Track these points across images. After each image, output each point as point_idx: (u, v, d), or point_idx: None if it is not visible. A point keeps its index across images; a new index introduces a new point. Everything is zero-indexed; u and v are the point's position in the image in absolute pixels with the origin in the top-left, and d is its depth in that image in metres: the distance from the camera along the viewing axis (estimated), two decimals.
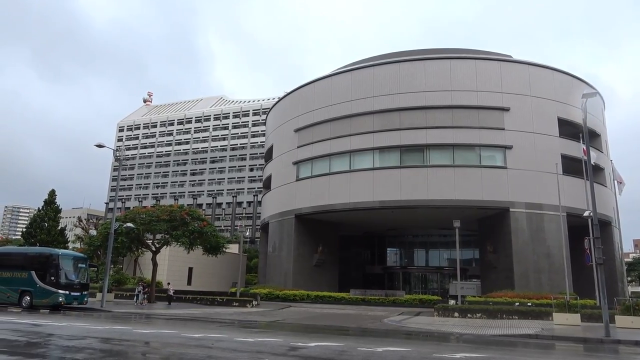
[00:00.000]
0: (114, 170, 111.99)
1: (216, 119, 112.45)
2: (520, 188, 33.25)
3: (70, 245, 44.72)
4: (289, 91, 44.68)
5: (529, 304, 25.33)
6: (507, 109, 34.49)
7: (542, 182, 33.09)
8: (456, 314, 24.27)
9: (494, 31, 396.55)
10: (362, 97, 37.32)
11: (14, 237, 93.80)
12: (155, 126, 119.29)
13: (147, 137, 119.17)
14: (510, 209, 32.84)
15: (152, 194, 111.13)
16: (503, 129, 34.23)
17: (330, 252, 41.24)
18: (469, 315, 23.99)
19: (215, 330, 15.64)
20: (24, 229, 44.20)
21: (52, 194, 40.50)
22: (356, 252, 49.78)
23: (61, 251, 26.73)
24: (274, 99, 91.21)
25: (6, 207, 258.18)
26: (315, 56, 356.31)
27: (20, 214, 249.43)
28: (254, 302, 30.17)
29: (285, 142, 42.51)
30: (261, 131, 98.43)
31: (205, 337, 13.60)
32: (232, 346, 11.85)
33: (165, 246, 31.82)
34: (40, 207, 40.91)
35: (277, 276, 39.91)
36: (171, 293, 30.71)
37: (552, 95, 35.81)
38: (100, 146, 26.35)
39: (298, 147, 40.57)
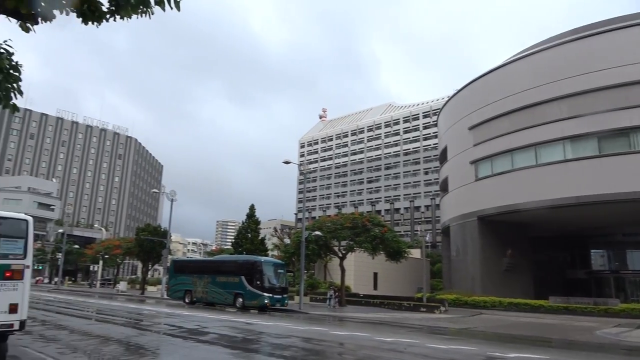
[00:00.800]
0: (299, 183, 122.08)
1: (387, 125, 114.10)
2: None
3: (270, 253, 50.04)
4: (459, 88, 42.87)
5: None
6: None
7: None
8: None
9: None
10: (543, 82, 33.68)
11: (225, 247, 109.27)
12: (331, 139, 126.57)
13: (325, 151, 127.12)
14: None
15: (334, 203, 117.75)
16: None
17: (521, 255, 37.89)
18: None
19: (405, 335, 15.68)
20: (233, 240, 51.06)
21: (252, 208, 45.93)
22: (551, 255, 44.74)
23: (263, 258, 30.08)
24: (443, 98, 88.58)
25: (217, 221, 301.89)
26: (484, 45, 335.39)
27: (228, 227, 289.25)
28: (442, 308, 29.43)
29: (460, 141, 40.78)
30: (433, 133, 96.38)
31: (396, 341, 13.73)
32: (424, 352, 11.72)
33: (350, 252, 33.28)
34: (244, 220, 46.75)
35: (463, 281, 38.27)
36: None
37: None
38: (286, 162, 28.98)
39: (474, 145, 38.52)
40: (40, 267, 75.82)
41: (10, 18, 3.80)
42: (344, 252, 33.01)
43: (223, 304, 28.46)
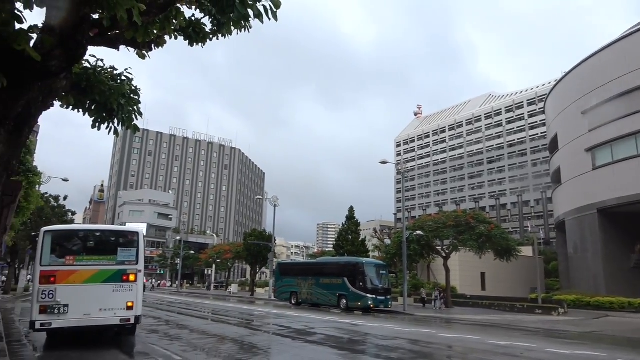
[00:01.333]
0: (397, 183, 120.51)
1: (488, 117, 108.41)
2: None
3: (370, 254, 50.00)
4: (567, 70, 39.39)
5: None
6: None
7: None
8: None
9: None
10: None
11: (326, 249, 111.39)
12: (428, 136, 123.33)
13: (422, 148, 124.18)
14: None
15: (434, 202, 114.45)
16: None
17: None
18: None
19: (521, 339, 14.71)
20: (334, 242, 51.87)
21: (351, 210, 46.27)
22: None
23: (365, 260, 30.12)
24: (549, 83, 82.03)
25: (318, 224, 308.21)
26: (595, 19, 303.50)
27: (328, 230, 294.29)
28: (560, 310, 27.15)
29: (572, 127, 37.42)
30: (540, 121, 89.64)
31: (511, 345, 12.94)
32: (544, 357, 10.91)
33: (454, 252, 32.11)
34: (343, 222, 47.27)
35: (583, 280, 34.99)
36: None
37: None
38: (383, 163, 28.79)
39: (589, 130, 35.10)
40: (162, 272, 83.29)
41: (129, 48, 4.27)
42: (447, 251, 31.93)
43: (327, 305, 28.96)
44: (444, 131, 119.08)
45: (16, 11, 3.21)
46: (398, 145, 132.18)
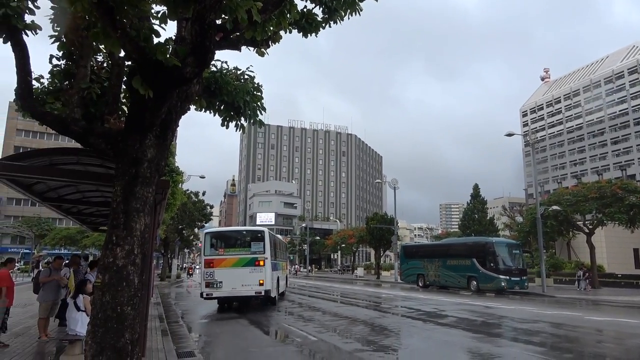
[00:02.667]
0: (526, 155, 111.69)
1: (632, 72, 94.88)
2: None
3: (500, 233, 47.24)
4: None
5: None
6: None
7: None
8: None
9: None
10: None
11: (451, 230, 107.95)
12: (559, 102, 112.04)
13: (552, 115, 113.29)
14: None
15: (571, 173, 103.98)
16: None
17: None
18: None
19: None
20: (459, 222, 50.06)
21: (476, 188, 44.12)
22: None
23: (495, 239, 28.55)
24: None
25: (440, 204, 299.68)
26: None
27: (452, 210, 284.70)
28: None
29: None
30: None
31: None
32: None
33: (599, 227, 28.91)
34: (468, 201, 45.33)
35: None
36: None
37: None
38: (509, 135, 26.83)
39: None
40: (292, 258, 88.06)
41: (249, 47, 4.53)
42: (590, 227, 28.86)
43: (456, 287, 28.13)
44: (577, 94, 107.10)
45: (154, 27, 3.59)
46: (524, 115, 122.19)
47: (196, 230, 52.09)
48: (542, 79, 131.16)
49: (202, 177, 35.87)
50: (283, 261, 22.80)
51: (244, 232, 18.21)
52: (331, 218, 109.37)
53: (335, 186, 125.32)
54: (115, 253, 3.91)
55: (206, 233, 17.48)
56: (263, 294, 15.96)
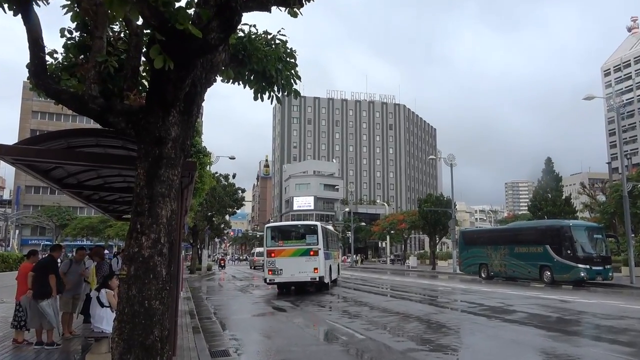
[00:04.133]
0: (609, 122, 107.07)
1: None
2: None
3: (579, 215, 45.75)
4: None
5: None
6: None
7: None
8: None
9: None
10: None
11: (519, 213, 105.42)
12: None
13: None
14: None
15: None
16: None
17: None
18: None
19: None
20: (528, 203, 48.74)
21: (549, 162, 42.51)
22: None
23: (572, 222, 27.68)
24: None
25: (505, 183, 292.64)
26: None
27: (519, 188, 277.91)
28: None
29: None
30: None
31: None
32: None
33: None
34: (539, 179, 43.84)
35: None
36: None
37: None
38: (589, 98, 25.71)
39: None
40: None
41: (280, 8, 4.51)
42: None
43: (526, 278, 27.59)
44: None
45: None
46: (607, 74, 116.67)
47: (227, 217, 53.26)
48: (629, 30, 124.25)
49: (232, 158, 36.51)
50: (335, 250, 27.46)
51: (300, 226, 24.38)
52: (378, 201, 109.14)
53: (382, 165, 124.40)
54: (141, 242, 4.04)
55: (267, 227, 23.29)
56: (317, 280, 20.77)
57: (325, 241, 22.08)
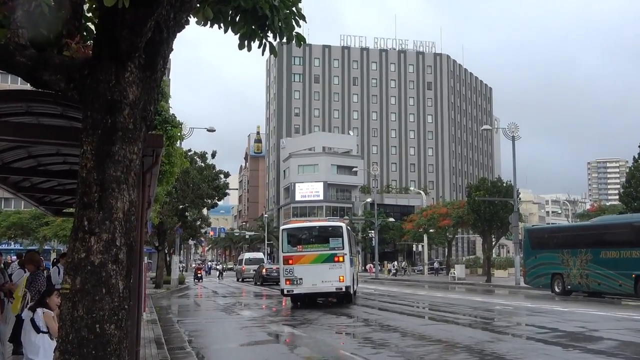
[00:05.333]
0: None
1: None
2: None
3: None
4: None
5: None
6: None
7: None
8: None
9: None
10: None
11: (608, 203, 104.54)
12: None
13: None
14: None
15: None
16: None
17: None
18: None
19: None
20: (620, 190, 48.38)
21: None
22: None
23: None
24: None
25: (588, 163, 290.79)
26: None
27: (607, 171, 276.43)
28: None
29: None
30: None
31: None
32: None
33: None
34: (635, 156, 43.58)
35: None
36: None
37: None
38: None
39: None
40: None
41: None
42: None
43: (616, 294, 27.59)
44: None
45: None
46: None
47: (205, 211, 53.39)
48: None
49: (211, 131, 36.66)
50: (355, 256, 30.78)
51: (322, 228, 27.54)
52: (412, 189, 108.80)
53: (417, 138, 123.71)
54: (89, 245, 4.05)
55: (283, 229, 26.42)
56: (344, 290, 23.61)
57: (349, 246, 25.16)
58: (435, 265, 67.24)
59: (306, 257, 23.52)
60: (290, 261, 23.49)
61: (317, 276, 23.13)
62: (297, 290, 23.28)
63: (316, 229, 26.99)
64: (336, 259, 23.34)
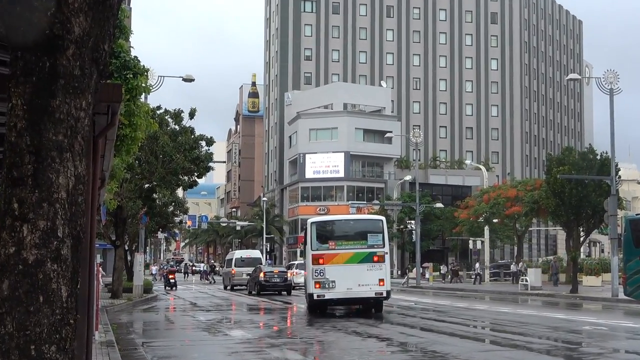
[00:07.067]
0: None
1: None
2: None
3: None
4: None
5: None
6: None
7: None
8: None
9: None
10: None
11: None
12: None
13: None
14: None
15: None
16: None
17: None
18: None
19: None
20: None
21: None
22: None
23: None
24: None
25: None
26: None
27: None
28: None
29: None
30: None
31: None
32: None
33: None
34: None
35: None
36: None
37: None
38: None
39: None
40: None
41: None
42: None
43: None
44: None
45: None
46: None
47: (180, 192, 53.36)
48: None
49: (189, 80, 36.63)
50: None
51: (358, 221, 31.25)
52: (467, 162, 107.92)
53: (477, 92, 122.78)
54: (21, 237, 4.04)
55: (312, 223, 28.51)
56: (384, 295, 26.74)
57: (388, 242, 28.71)
58: (513, 267, 65.83)
59: (340, 256, 26.42)
60: (321, 260, 26.26)
61: (353, 279, 25.84)
62: (329, 294, 25.93)
63: (351, 222, 30.63)
64: (375, 258, 26.17)
